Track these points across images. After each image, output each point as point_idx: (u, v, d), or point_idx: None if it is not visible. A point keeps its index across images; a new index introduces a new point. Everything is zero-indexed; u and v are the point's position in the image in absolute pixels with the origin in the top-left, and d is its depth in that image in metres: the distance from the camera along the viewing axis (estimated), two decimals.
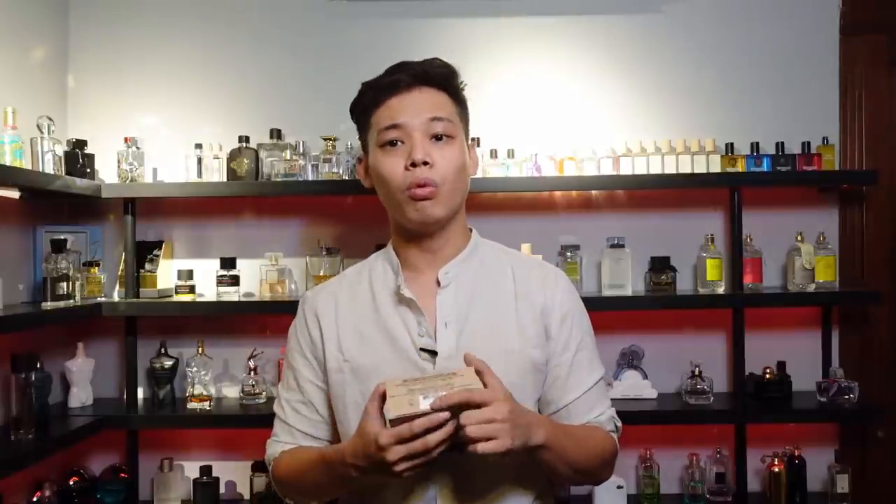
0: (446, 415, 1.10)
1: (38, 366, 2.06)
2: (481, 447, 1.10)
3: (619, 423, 1.41)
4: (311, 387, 1.39)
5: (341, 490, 1.33)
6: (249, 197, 2.43)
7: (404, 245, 1.38)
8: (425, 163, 1.28)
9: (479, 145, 2.34)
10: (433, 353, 1.29)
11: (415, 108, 1.31)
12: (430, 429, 1.10)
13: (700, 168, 2.32)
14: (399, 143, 1.31)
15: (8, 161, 1.96)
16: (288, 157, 2.31)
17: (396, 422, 1.10)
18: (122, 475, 2.37)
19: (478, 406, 1.11)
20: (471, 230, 1.43)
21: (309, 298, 1.44)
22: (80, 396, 2.33)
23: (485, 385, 1.15)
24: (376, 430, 1.12)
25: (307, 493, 1.38)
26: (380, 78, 1.37)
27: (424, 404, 1.10)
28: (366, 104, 1.37)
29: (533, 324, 1.34)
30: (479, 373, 1.16)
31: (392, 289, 1.36)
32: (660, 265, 2.35)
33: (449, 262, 1.36)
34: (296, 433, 1.39)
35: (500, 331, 1.32)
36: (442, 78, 1.35)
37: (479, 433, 1.10)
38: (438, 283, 1.34)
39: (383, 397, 1.14)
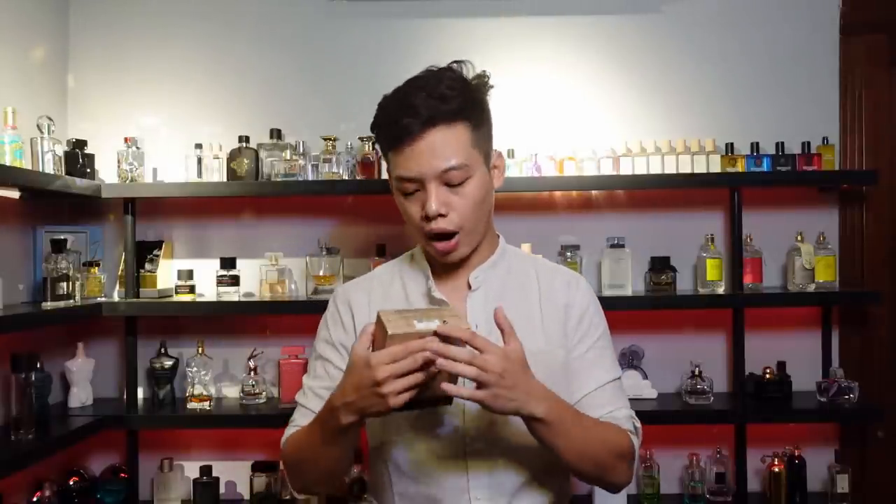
0: (438, 343, 1.11)
1: (38, 366, 2.06)
2: (455, 389, 1.12)
3: (639, 424, 1.40)
4: (340, 374, 1.37)
5: (338, 454, 1.29)
6: (249, 197, 2.43)
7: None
8: (441, 214, 1.29)
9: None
10: None
11: (426, 158, 1.27)
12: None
13: (700, 168, 2.31)
14: (416, 192, 1.31)
15: (8, 161, 1.96)
16: (288, 157, 2.31)
17: (395, 339, 1.10)
18: (122, 475, 2.37)
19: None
20: (498, 236, 1.46)
21: (341, 293, 1.46)
22: (80, 396, 2.33)
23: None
24: (367, 353, 1.13)
25: (308, 470, 1.34)
26: (393, 115, 1.30)
27: (420, 326, 1.12)
28: (380, 140, 1.36)
29: (556, 324, 1.38)
30: (504, 333, 1.18)
31: (423, 291, 1.40)
32: (660, 265, 2.35)
33: (478, 266, 1.39)
34: (313, 417, 1.37)
35: (527, 332, 1.34)
36: (452, 112, 1.28)
37: (463, 371, 1.10)
38: (469, 287, 1.38)
39: (373, 336, 1.16)
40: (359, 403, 1.15)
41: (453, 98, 1.28)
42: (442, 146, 1.28)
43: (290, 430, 1.40)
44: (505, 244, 1.46)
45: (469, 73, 1.35)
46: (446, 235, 1.31)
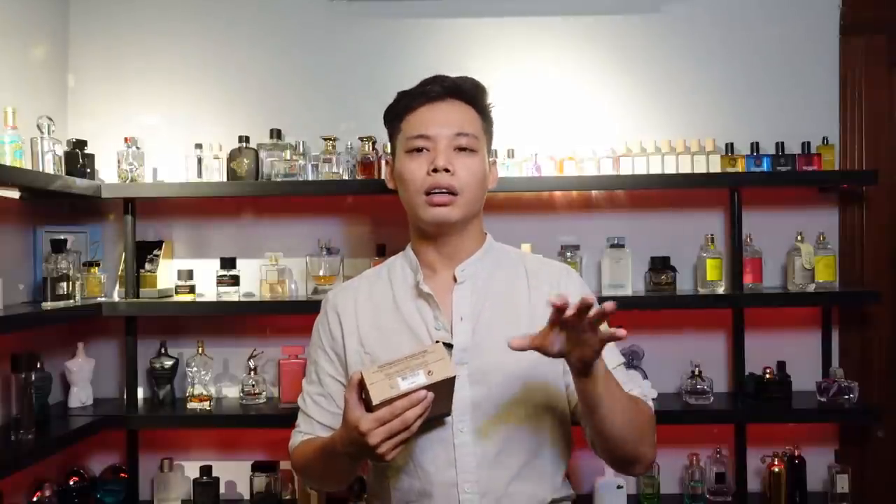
0: (425, 393, 1.14)
1: (38, 366, 2.07)
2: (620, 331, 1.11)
3: (651, 402, 1.40)
4: (331, 380, 1.45)
5: (346, 475, 1.41)
6: (249, 197, 2.43)
7: (422, 245, 1.44)
8: (447, 170, 1.35)
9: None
10: (449, 346, 1.34)
11: (443, 120, 1.38)
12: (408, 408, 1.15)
13: (700, 168, 2.31)
14: (425, 151, 1.38)
15: (8, 161, 1.96)
16: (288, 157, 2.31)
17: (380, 406, 1.14)
18: (122, 475, 2.38)
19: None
20: (485, 234, 1.49)
21: (330, 297, 1.50)
22: (80, 396, 2.33)
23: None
24: (357, 417, 1.16)
25: (318, 480, 1.48)
26: (414, 88, 1.43)
27: (404, 385, 1.15)
28: (398, 111, 1.43)
29: (545, 314, 1.37)
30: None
31: (411, 285, 1.42)
32: (660, 265, 2.35)
33: (465, 260, 1.42)
34: (315, 424, 1.45)
35: (513, 323, 1.37)
36: (472, 94, 1.42)
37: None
38: (455, 280, 1.41)
39: (360, 385, 1.17)
40: (359, 455, 1.22)
41: (473, 86, 1.43)
42: (459, 114, 1.40)
43: (296, 437, 1.48)
44: (492, 240, 1.49)
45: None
46: (447, 192, 1.36)
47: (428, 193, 1.36)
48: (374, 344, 1.39)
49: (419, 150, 1.38)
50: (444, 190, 1.35)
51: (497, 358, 1.31)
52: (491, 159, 1.48)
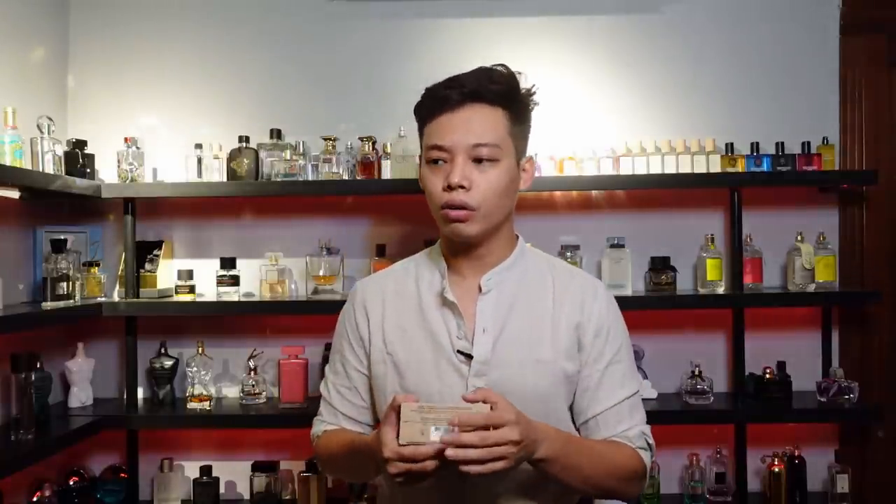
0: (451, 452, 1.12)
1: (38, 366, 2.06)
2: (483, 468, 1.12)
3: (652, 441, 1.39)
4: (356, 373, 1.44)
5: (369, 475, 1.39)
6: (249, 197, 2.43)
7: (451, 250, 1.41)
8: (462, 186, 1.30)
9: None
10: (469, 357, 1.32)
11: (461, 130, 1.31)
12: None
13: (700, 168, 2.32)
14: (441, 163, 1.33)
15: (8, 161, 1.96)
16: (288, 157, 2.31)
17: (406, 446, 1.15)
18: (122, 475, 2.38)
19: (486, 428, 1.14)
20: (517, 237, 1.45)
21: (359, 290, 1.48)
22: (80, 396, 2.33)
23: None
24: (386, 440, 1.16)
25: (342, 473, 1.48)
26: (437, 88, 1.36)
27: (434, 436, 1.14)
28: (422, 114, 1.38)
29: (567, 335, 1.36)
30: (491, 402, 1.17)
31: (437, 290, 1.39)
32: (660, 265, 2.35)
33: (493, 268, 1.38)
34: (339, 415, 1.44)
35: (534, 340, 1.35)
36: (497, 95, 1.34)
37: (487, 455, 1.12)
38: (480, 289, 1.37)
39: (396, 412, 1.17)
40: (382, 470, 1.20)
41: (498, 86, 1.35)
42: (479, 122, 1.32)
43: (319, 426, 1.47)
44: (524, 246, 1.44)
45: (522, 81, 1.42)
46: (462, 208, 1.31)
47: (444, 208, 1.32)
48: (397, 344, 1.37)
49: (436, 161, 1.33)
50: (459, 206, 1.31)
51: (516, 374, 1.29)
52: (526, 157, 1.41)
